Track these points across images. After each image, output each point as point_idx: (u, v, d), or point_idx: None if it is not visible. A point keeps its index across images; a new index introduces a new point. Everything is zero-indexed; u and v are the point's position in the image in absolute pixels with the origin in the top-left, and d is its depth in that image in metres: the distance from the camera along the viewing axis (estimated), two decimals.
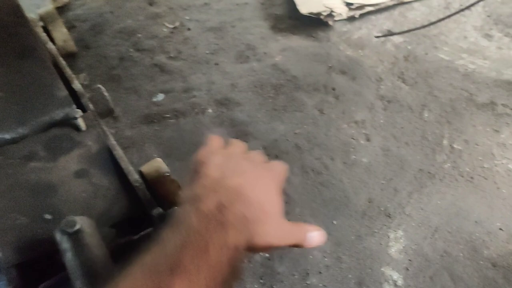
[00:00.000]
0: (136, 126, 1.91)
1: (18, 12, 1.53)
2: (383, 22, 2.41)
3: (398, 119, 1.88)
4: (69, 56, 2.25)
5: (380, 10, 2.47)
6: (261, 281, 1.37)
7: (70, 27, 2.37)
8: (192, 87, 2.07)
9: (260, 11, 2.53)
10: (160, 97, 2.05)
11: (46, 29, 2.07)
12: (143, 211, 1.11)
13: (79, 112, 1.30)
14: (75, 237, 0.90)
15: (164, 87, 2.09)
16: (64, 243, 0.90)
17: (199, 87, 2.07)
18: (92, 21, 2.54)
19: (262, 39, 2.33)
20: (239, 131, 1.85)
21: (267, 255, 1.42)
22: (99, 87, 1.50)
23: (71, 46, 2.21)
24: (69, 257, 0.89)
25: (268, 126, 1.87)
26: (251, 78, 2.10)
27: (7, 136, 1.29)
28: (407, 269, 1.40)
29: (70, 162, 1.24)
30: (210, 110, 1.96)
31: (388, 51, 2.23)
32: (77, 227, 0.91)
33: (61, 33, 2.12)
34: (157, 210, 1.05)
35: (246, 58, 2.23)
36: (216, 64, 2.19)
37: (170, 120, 1.93)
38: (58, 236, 0.92)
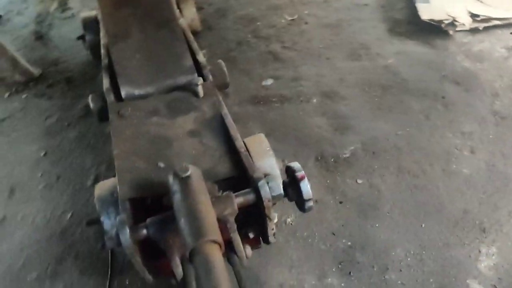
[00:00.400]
0: (244, 105, 2.03)
1: None
2: (510, 37, 2.29)
3: (511, 137, 1.79)
4: (194, 34, 2.44)
5: (509, 25, 2.34)
6: (339, 266, 1.40)
7: (198, 8, 2.56)
8: (301, 76, 2.15)
9: (379, 13, 2.53)
10: (270, 82, 2.15)
11: (178, 7, 2.29)
12: (244, 174, 1.21)
13: (200, 80, 1.45)
14: (185, 181, 1.02)
15: (275, 73, 2.19)
16: (175, 186, 1.03)
17: (308, 78, 2.13)
18: (218, 5, 2.74)
19: (377, 40, 2.34)
20: (340, 124, 1.89)
21: (349, 242, 1.45)
22: (219, 62, 1.63)
23: (197, 25, 2.41)
24: (177, 198, 1.01)
25: (370, 124, 1.88)
26: (360, 75, 2.12)
27: (137, 92, 1.47)
28: (495, 287, 1.34)
29: (186, 122, 1.38)
30: (314, 100, 2.02)
31: (510, 67, 2.12)
32: (188, 173, 1.03)
33: (190, 12, 2.32)
34: (258, 173, 1.14)
35: (358, 56, 2.25)
36: (328, 58, 2.24)
37: (275, 104, 2.02)
38: (171, 179, 1.05)
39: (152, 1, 1.70)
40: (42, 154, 1.91)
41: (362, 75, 2.13)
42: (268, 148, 1.36)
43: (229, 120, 1.36)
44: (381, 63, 2.19)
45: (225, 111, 1.39)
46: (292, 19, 2.54)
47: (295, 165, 1.22)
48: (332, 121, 1.90)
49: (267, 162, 1.32)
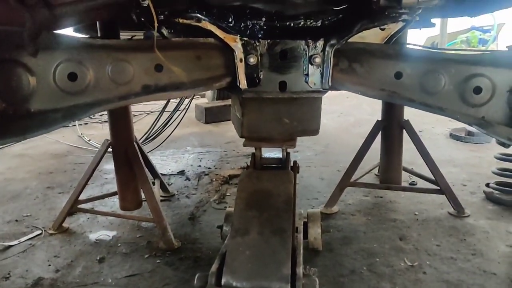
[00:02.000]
0: None
1: (290, 203, 2.03)
2: None
3: None
4: (314, 251, 2.66)
5: None
6: None
7: (326, 231, 2.81)
8: None
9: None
10: None
11: (306, 224, 2.59)
12: None
13: None
14: None
15: None
16: None
17: None
18: (346, 233, 2.96)
19: None
20: None
21: None
22: (314, 279, 1.78)
23: (319, 244, 2.63)
24: None
25: None
26: None
27: (234, 283, 1.69)
28: None
29: None
30: None
31: None
32: None
33: (315, 231, 2.58)
34: None
35: None
36: None
37: None
38: None
39: (276, 211, 2.00)
40: None
41: None
42: None
43: None
44: None
45: None
46: (412, 265, 2.58)
47: None
48: None
49: None
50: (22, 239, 2.94)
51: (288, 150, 2.17)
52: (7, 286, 2.43)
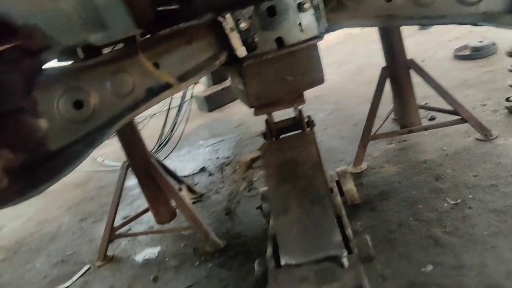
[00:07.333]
0: None
1: (318, 167, 2.00)
2: None
3: None
4: (354, 206, 2.73)
5: None
6: None
7: (362, 189, 2.81)
8: (462, 265, 2.10)
9: None
10: (429, 268, 2.16)
11: (338, 183, 2.60)
12: None
13: (345, 253, 1.63)
14: None
15: (435, 259, 2.20)
16: None
17: (470, 267, 2.08)
18: (381, 188, 2.95)
19: None
20: None
21: None
22: (365, 237, 1.77)
23: (356, 197, 2.70)
24: None
25: None
26: None
27: (293, 261, 1.71)
28: None
29: None
30: None
31: None
32: None
33: (349, 184, 2.62)
34: None
35: None
36: (493, 247, 2.16)
37: None
38: None
39: (309, 179, 1.98)
40: None
41: None
42: None
43: None
44: None
45: (365, 282, 1.53)
46: (455, 203, 2.56)
47: None
48: None
49: None
50: (74, 278, 3.00)
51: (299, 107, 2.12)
52: None
